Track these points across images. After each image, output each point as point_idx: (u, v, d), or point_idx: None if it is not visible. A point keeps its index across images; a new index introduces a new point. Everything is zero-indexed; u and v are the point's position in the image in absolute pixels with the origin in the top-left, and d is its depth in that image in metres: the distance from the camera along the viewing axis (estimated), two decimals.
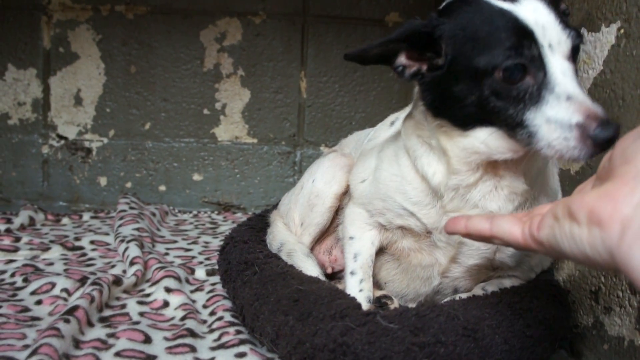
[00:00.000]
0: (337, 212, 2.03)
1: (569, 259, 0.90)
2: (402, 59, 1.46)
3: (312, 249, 2.06)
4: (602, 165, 0.92)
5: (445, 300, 1.68)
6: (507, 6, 1.30)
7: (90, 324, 1.72)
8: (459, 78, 1.37)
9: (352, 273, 1.79)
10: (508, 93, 1.30)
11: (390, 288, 1.89)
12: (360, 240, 1.80)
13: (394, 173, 1.67)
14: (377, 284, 1.91)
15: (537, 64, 1.28)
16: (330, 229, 2.07)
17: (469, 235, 1.14)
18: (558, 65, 1.27)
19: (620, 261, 0.75)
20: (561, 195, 1.73)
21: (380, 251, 1.84)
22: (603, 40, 1.68)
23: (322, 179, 2.01)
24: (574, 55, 1.31)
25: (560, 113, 1.24)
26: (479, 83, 1.33)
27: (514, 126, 1.32)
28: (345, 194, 1.99)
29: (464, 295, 1.65)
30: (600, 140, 1.18)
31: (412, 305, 1.87)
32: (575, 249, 0.82)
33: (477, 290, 1.66)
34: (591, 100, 1.22)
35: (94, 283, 1.90)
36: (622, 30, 1.59)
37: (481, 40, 1.32)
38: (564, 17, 1.31)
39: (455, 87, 1.38)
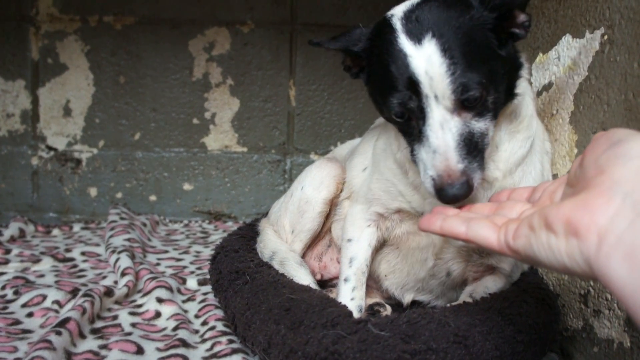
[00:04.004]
0: (327, 217, 2.05)
1: (545, 267, 0.90)
2: (347, 60, 1.66)
3: (303, 255, 2.07)
4: (573, 172, 0.93)
5: (436, 307, 1.69)
6: (408, 49, 1.37)
7: (82, 336, 1.72)
8: (373, 92, 1.56)
9: (345, 280, 1.80)
10: (401, 125, 1.48)
11: (391, 280, 1.92)
12: (357, 243, 1.82)
13: (386, 150, 1.78)
14: (377, 279, 1.94)
15: (419, 114, 1.39)
16: (321, 234, 2.08)
17: (444, 236, 1.15)
18: (438, 117, 1.36)
19: (598, 271, 0.75)
20: None
21: (380, 246, 1.88)
22: (587, 46, 1.69)
23: (311, 185, 2.03)
24: (468, 104, 1.36)
25: (427, 161, 1.39)
26: (384, 105, 1.47)
27: (410, 149, 1.48)
28: (335, 199, 2.03)
29: (455, 303, 1.66)
30: (442, 198, 1.35)
31: (410, 295, 1.91)
32: (553, 259, 0.83)
33: (465, 297, 1.68)
34: (457, 156, 1.35)
35: (85, 294, 1.90)
36: (605, 37, 1.61)
37: (385, 76, 1.43)
38: (459, 66, 1.34)
39: (372, 97, 1.58)
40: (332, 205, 2.04)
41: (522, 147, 1.62)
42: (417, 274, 1.84)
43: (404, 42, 1.38)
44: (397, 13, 1.45)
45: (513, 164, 1.61)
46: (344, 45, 1.58)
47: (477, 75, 1.34)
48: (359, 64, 1.62)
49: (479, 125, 1.40)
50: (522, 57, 1.56)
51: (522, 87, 1.55)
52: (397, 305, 1.97)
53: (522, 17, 1.43)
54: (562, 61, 1.84)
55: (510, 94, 1.51)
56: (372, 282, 1.94)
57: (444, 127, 1.36)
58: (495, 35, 1.40)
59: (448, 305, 1.64)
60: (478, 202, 1.58)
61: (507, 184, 1.61)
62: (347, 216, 1.90)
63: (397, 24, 1.41)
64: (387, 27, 1.44)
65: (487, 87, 1.37)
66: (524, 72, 1.55)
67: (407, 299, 1.91)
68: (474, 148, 1.39)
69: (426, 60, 1.34)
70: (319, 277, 2.06)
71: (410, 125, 1.44)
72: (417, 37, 1.36)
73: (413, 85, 1.37)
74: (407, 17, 1.41)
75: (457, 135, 1.37)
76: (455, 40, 1.34)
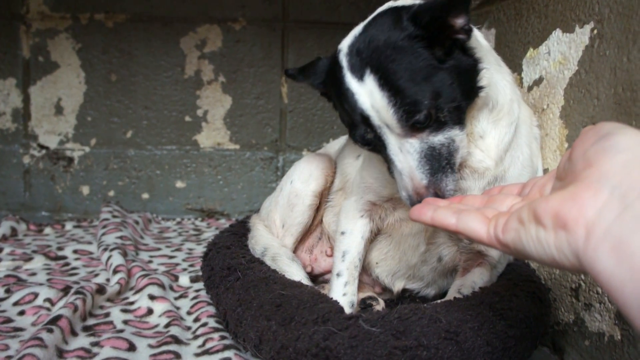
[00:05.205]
0: (318, 210, 2.07)
1: (534, 261, 0.90)
2: (320, 87, 1.70)
3: (294, 248, 2.09)
4: (561, 165, 0.93)
5: (427, 303, 1.69)
6: (354, 86, 1.43)
7: (73, 334, 1.72)
8: (341, 120, 1.61)
9: (338, 275, 1.81)
10: (371, 151, 1.58)
11: (382, 268, 1.93)
12: (350, 235, 1.83)
13: None
14: (367, 267, 1.95)
15: (379, 142, 1.46)
16: (311, 227, 2.10)
17: (434, 226, 1.15)
18: (395, 144, 1.43)
19: (586, 264, 0.75)
20: (542, 174, 1.79)
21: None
22: (577, 41, 1.70)
23: (300, 178, 2.05)
24: (419, 126, 1.40)
25: (398, 181, 1.46)
26: (350, 136, 1.57)
27: (387, 167, 1.53)
28: (324, 192, 2.05)
29: (445, 299, 1.66)
30: None
31: (401, 282, 1.93)
32: (542, 252, 0.83)
33: (454, 293, 1.68)
34: (419, 174, 1.42)
35: (77, 292, 1.90)
36: (595, 31, 1.61)
37: (342, 111, 1.54)
38: (399, 95, 1.37)
39: (343, 123, 1.61)
40: (322, 199, 2.05)
41: (508, 134, 1.64)
42: (408, 260, 1.86)
43: (350, 80, 1.44)
44: (343, 48, 1.51)
45: (503, 150, 1.63)
46: (309, 80, 1.69)
47: (421, 98, 1.37)
48: None
49: (438, 138, 1.43)
50: (479, 51, 1.53)
51: (486, 78, 1.52)
52: (389, 300, 1.98)
53: (459, 22, 1.42)
54: (552, 56, 1.85)
55: (472, 93, 1.50)
56: (363, 271, 1.94)
57: (402, 151, 1.43)
58: (438, 46, 1.41)
59: (439, 301, 1.64)
60: (471, 191, 1.62)
61: (497, 172, 1.63)
62: (341, 209, 1.92)
63: (343, 60, 1.47)
64: (336, 64, 1.51)
65: (435, 105, 1.39)
66: (485, 64, 1.52)
67: (397, 286, 1.93)
68: (439, 159, 1.44)
69: (369, 96, 1.40)
70: (309, 269, 2.07)
71: (378, 150, 1.51)
72: (359, 73, 1.43)
73: (365, 119, 1.44)
74: (350, 51, 1.47)
75: (417, 154, 1.42)
76: (393, 69, 1.38)
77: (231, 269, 1.86)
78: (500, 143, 1.62)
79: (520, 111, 1.71)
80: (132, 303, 2.03)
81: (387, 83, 1.38)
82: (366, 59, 1.42)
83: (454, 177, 1.47)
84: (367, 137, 1.47)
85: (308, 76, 1.69)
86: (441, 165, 1.43)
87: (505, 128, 1.63)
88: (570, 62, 1.74)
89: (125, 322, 1.88)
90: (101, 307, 1.98)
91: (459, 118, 1.46)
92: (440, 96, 1.39)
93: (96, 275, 2.38)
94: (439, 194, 1.41)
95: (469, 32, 1.45)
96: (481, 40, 1.62)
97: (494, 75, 1.60)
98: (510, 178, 1.66)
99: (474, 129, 1.59)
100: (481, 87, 1.51)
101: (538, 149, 1.82)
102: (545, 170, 1.84)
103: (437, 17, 1.39)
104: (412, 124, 1.38)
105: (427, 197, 1.39)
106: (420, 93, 1.37)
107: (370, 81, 1.40)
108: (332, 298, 1.63)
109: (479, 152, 1.61)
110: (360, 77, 1.42)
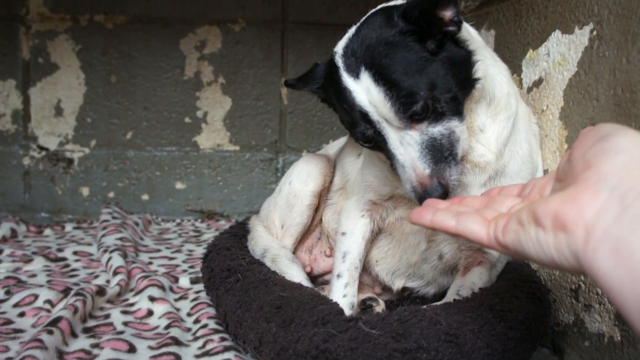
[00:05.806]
0: (317, 210, 2.07)
1: (534, 262, 0.90)
2: (320, 92, 1.74)
3: (294, 249, 2.09)
4: (561, 166, 0.93)
5: (427, 305, 1.69)
6: (351, 85, 1.47)
7: (74, 335, 1.72)
8: (341, 122, 1.65)
9: (338, 276, 1.81)
10: (372, 149, 1.60)
11: (382, 266, 1.94)
12: (351, 236, 1.83)
13: None
14: (367, 265, 1.95)
15: (379, 138, 1.49)
16: (311, 228, 2.11)
17: (434, 229, 1.15)
18: (395, 137, 1.46)
19: (585, 266, 0.75)
20: (542, 171, 1.82)
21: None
22: (577, 42, 1.70)
23: (298, 178, 2.05)
24: (417, 117, 1.43)
25: (402, 175, 1.48)
26: (351, 135, 1.61)
27: (390, 163, 1.56)
28: (323, 192, 2.05)
29: (444, 301, 1.66)
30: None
31: (401, 281, 1.93)
32: (542, 254, 0.83)
33: (453, 295, 1.68)
34: (422, 164, 1.43)
35: (77, 294, 1.90)
36: (594, 32, 1.61)
37: (342, 112, 1.57)
38: (395, 89, 1.41)
39: (343, 124, 1.65)
40: (321, 199, 2.06)
41: (506, 128, 1.66)
42: (409, 258, 1.86)
43: (347, 79, 1.48)
44: (338, 50, 1.55)
45: (502, 144, 1.65)
46: (309, 87, 1.73)
47: (416, 89, 1.40)
48: None
49: (438, 129, 1.45)
50: (472, 44, 1.55)
51: (482, 70, 1.55)
52: (389, 301, 1.98)
53: (448, 15, 1.45)
54: (551, 57, 1.85)
55: (468, 83, 1.52)
56: (362, 270, 1.93)
57: (403, 143, 1.45)
58: (430, 39, 1.45)
59: (438, 303, 1.64)
60: (472, 186, 1.63)
61: (498, 166, 1.65)
62: (342, 209, 1.92)
63: (339, 61, 1.52)
64: (333, 66, 1.55)
65: (430, 96, 1.41)
66: (479, 57, 1.54)
67: (397, 285, 1.93)
68: (441, 150, 1.46)
69: (366, 92, 1.44)
70: (309, 270, 2.07)
71: (379, 147, 1.54)
72: (354, 72, 1.47)
73: (365, 116, 1.47)
74: (345, 53, 1.51)
75: (418, 145, 1.45)
76: (386, 64, 1.42)
77: (231, 271, 1.86)
78: (500, 137, 1.64)
79: (518, 106, 1.72)
80: (132, 304, 2.03)
81: (382, 78, 1.41)
82: (360, 58, 1.45)
83: (458, 168, 1.49)
84: (368, 134, 1.49)
85: (307, 83, 1.72)
86: (444, 155, 1.45)
87: (503, 122, 1.65)
88: (570, 63, 1.74)
89: (126, 323, 1.88)
90: (101, 309, 1.97)
91: (457, 109, 1.48)
92: (436, 87, 1.41)
93: (96, 276, 2.38)
94: (443, 183, 1.42)
95: (459, 24, 1.47)
96: (474, 35, 1.64)
97: (490, 68, 1.62)
98: (510, 173, 1.67)
99: (473, 122, 1.61)
100: (477, 79, 1.53)
101: (537, 145, 1.83)
102: (546, 171, 1.84)
103: (426, 11, 1.42)
104: (409, 115, 1.41)
105: (431, 186, 1.41)
106: (415, 85, 1.40)
107: (365, 78, 1.43)
108: (332, 300, 1.62)
109: (480, 146, 1.62)
110: (356, 75, 1.45)
